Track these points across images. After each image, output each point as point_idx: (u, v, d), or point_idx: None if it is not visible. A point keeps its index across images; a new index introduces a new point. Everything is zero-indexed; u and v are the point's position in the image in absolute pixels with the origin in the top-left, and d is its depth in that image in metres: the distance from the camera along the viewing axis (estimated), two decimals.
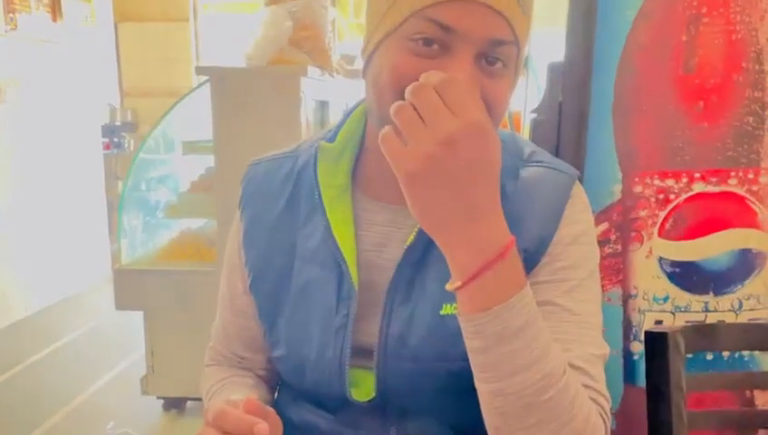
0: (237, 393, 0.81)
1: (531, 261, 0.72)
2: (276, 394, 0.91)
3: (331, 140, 0.80)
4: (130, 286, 2.59)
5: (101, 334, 3.69)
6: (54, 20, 4.18)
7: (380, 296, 0.75)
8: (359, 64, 2.97)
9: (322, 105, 2.79)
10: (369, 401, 0.76)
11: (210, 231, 2.65)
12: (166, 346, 2.63)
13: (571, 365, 0.67)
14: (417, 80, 0.62)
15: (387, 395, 0.75)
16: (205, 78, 2.47)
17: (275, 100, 2.36)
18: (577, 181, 0.78)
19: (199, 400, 2.90)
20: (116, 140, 5.80)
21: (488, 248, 0.61)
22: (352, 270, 0.76)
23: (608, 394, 0.70)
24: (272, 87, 2.36)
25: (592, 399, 0.67)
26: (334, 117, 2.92)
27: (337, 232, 0.77)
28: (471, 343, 0.63)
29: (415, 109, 0.59)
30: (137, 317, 2.80)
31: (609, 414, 0.70)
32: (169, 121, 2.66)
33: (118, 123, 5.97)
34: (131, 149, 5.68)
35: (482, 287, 0.61)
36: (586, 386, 0.67)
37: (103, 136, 5.25)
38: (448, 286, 0.63)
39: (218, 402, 0.66)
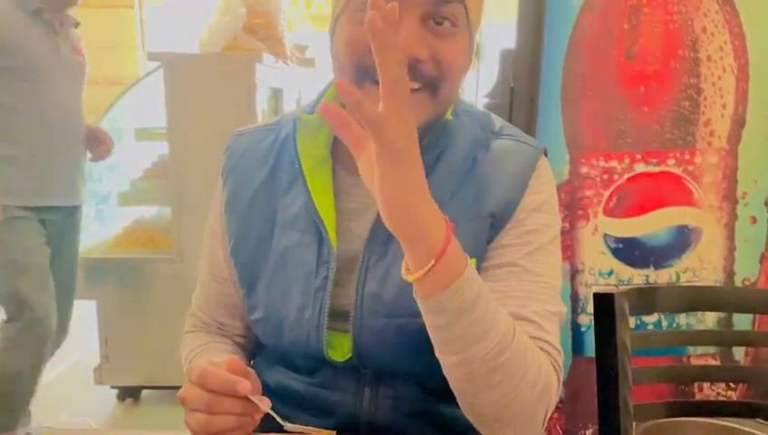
0: (216, 357, 0.83)
1: (497, 225, 0.78)
2: (252, 361, 0.94)
3: (310, 112, 0.84)
4: (84, 276, 2.53)
5: None
6: None
7: (357, 262, 0.79)
8: (310, 53, 2.94)
9: (276, 93, 2.79)
10: (345, 360, 0.80)
11: (164, 218, 2.63)
12: (120, 335, 2.61)
13: (527, 319, 0.73)
14: (370, 50, 0.66)
15: (362, 354, 0.79)
16: (156, 64, 2.45)
17: (230, 86, 2.35)
18: (543, 155, 0.84)
19: (154, 388, 2.85)
20: None
21: (435, 238, 0.62)
22: (332, 235, 0.79)
23: (560, 348, 0.76)
24: (226, 73, 2.35)
25: (544, 350, 0.73)
26: (288, 105, 2.92)
27: (317, 200, 0.80)
28: (434, 321, 0.67)
29: None
30: (86, 306, 2.73)
31: (562, 365, 0.76)
32: (120, 108, 2.61)
33: None
34: None
35: (442, 267, 0.63)
36: (539, 338, 0.72)
37: None
38: (410, 278, 0.64)
39: (202, 362, 0.69)
